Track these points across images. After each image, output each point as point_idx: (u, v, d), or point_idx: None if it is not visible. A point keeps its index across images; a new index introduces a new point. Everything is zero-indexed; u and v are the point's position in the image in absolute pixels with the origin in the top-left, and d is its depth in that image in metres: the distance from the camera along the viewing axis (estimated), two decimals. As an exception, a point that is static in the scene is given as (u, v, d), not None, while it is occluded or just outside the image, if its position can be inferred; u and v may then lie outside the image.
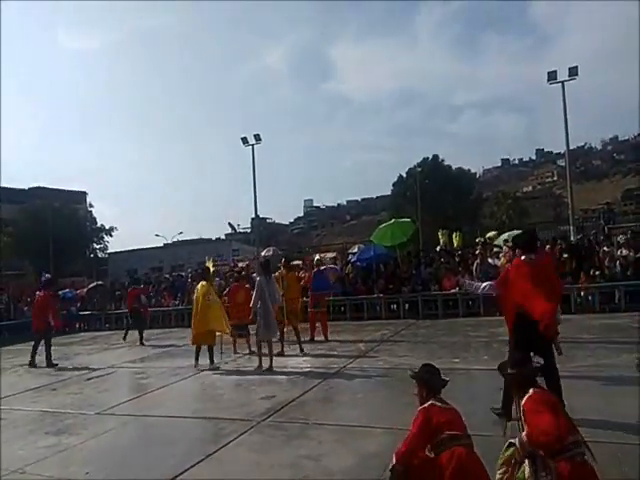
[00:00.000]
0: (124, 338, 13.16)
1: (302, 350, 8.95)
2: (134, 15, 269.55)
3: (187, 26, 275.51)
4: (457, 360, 7.04)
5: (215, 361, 8.39)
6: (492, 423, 4.27)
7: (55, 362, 10.07)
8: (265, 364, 7.82)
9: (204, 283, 8.67)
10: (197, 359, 8.41)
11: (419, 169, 45.09)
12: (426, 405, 3.02)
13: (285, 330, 9.33)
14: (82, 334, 16.70)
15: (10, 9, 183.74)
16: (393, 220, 15.78)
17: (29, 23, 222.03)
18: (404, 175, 50.03)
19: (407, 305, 13.71)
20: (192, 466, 4.10)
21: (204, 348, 8.46)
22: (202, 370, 8.13)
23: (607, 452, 3.44)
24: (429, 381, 3.12)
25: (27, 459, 4.53)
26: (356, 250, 19.05)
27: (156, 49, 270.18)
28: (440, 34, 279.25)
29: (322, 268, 11.19)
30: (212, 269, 11.09)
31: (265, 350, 7.90)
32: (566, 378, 5.77)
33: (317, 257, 12.87)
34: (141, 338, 12.43)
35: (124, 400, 6.54)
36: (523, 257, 4.62)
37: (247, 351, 9.48)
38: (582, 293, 12.10)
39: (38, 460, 4.50)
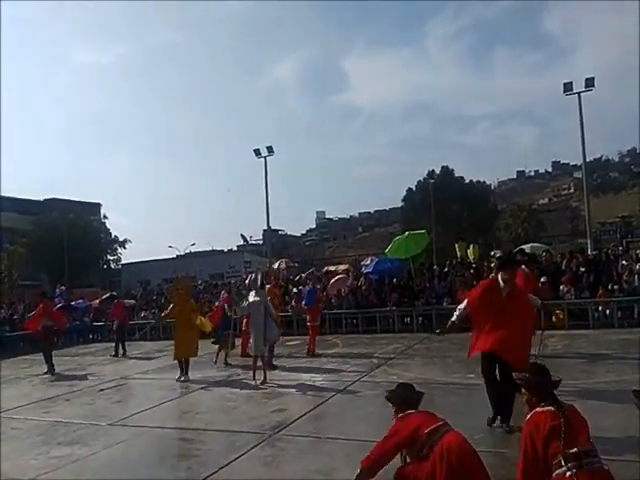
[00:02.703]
0: (115, 354, 12.78)
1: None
2: (146, 31, 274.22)
3: (199, 40, 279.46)
4: (472, 375, 6.90)
5: (187, 372, 8.53)
6: (506, 439, 4.17)
7: (46, 372, 10.37)
8: (259, 376, 7.78)
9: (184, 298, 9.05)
10: (183, 372, 8.59)
11: (432, 180, 44.92)
12: (400, 415, 3.19)
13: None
14: (95, 345, 16.83)
15: (27, 25, 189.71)
16: (407, 233, 15.72)
17: (46, 38, 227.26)
18: (415, 187, 49.87)
19: (421, 319, 13.58)
20: (204, 479, 4.07)
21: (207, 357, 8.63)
22: (209, 383, 8.12)
23: (630, 471, 3.33)
24: (406, 398, 3.27)
25: (40, 469, 4.54)
26: (368, 262, 18.96)
27: (169, 64, 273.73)
28: (453, 46, 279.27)
29: (314, 287, 12.10)
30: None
31: (259, 363, 7.94)
32: (586, 395, 5.66)
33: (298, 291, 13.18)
34: (124, 350, 12.99)
35: (136, 411, 6.54)
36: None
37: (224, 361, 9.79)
38: (600, 308, 11.90)
39: (51, 470, 4.51)
